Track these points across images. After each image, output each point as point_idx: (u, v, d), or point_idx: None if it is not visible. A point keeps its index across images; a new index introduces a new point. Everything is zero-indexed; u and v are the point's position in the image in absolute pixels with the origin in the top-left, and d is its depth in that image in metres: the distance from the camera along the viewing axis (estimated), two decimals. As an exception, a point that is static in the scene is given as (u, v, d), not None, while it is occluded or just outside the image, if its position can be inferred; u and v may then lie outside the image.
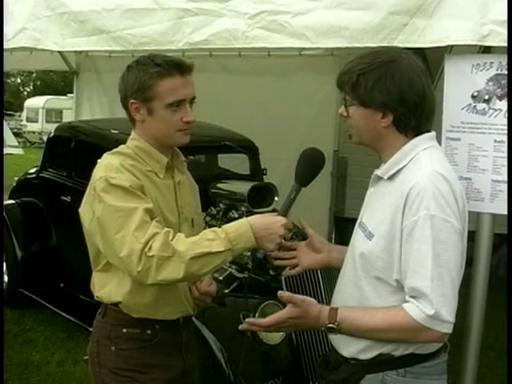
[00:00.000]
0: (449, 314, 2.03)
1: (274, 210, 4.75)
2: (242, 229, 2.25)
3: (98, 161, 2.44)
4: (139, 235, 2.18)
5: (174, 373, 2.55)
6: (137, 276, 2.22)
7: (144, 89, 2.37)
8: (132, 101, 2.41)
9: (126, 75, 2.44)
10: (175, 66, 2.38)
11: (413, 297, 2.05)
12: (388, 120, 2.15)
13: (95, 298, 2.54)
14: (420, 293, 2.03)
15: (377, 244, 2.13)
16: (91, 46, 3.55)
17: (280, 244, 2.32)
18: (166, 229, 2.24)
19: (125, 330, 2.47)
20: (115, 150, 2.49)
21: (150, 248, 2.16)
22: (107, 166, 2.35)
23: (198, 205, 2.77)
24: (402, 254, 2.07)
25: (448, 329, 2.05)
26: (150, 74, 2.36)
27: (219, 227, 2.29)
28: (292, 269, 2.60)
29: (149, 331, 2.48)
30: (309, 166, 2.42)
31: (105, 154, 2.45)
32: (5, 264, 6.24)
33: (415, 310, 2.04)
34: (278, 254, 2.55)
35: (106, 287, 2.47)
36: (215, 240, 2.21)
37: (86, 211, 2.39)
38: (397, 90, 2.11)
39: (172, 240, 2.20)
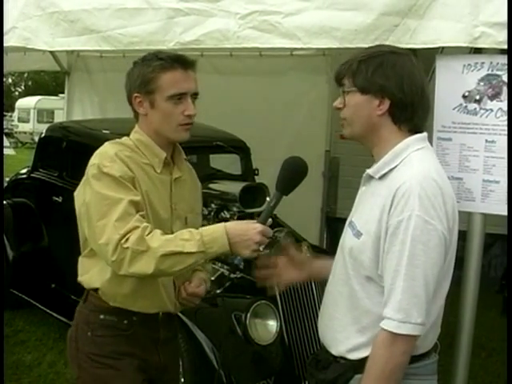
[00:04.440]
0: (419, 315, 2.03)
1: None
2: (217, 233, 2.25)
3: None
4: (119, 226, 2.22)
5: (148, 365, 2.56)
6: (111, 265, 2.27)
7: (146, 82, 2.42)
8: (135, 94, 2.46)
9: (130, 71, 2.51)
10: (178, 60, 2.43)
11: (385, 304, 2.07)
12: (384, 107, 2.15)
13: (78, 281, 2.57)
14: (392, 294, 2.04)
15: (365, 243, 2.14)
16: (81, 45, 3.54)
17: (256, 251, 2.29)
18: (145, 224, 2.26)
19: (102, 317, 2.50)
20: (117, 140, 2.53)
21: (127, 240, 2.19)
22: (102, 153, 2.39)
23: (197, 204, 2.76)
24: (383, 253, 2.08)
25: (419, 331, 2.05)
26: (153, 68, 2.41)
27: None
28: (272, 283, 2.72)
29: (125, 321, 2.50)
30: (291, 174, 2.38)
31: (106, 143, 2.49)
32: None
33: (385, 322, 2.06)
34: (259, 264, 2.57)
35: (89, 273, 2.51)
36: (190, 240, 2.22)
37: (79, 195, 2.42)
38: (397, 77, 2.12)
39: (148, 235, 2.22)
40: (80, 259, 2.56)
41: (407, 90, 2.13)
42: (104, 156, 2.37)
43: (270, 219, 2.36)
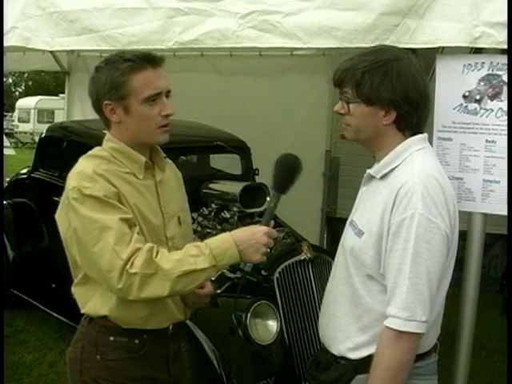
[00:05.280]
0: (423, 313, 2.04)
1: (263, 213, 4.74)
2: (225, 244, 2.20)
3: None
4: (120, 250, 2.12)
5: None
6: (117, 292, 2.18)
7: (117, 86, 2.27)
8: (106, 102, 2.30)
9: (95, 77, 2.34)
10: (146, 58, 2.29)
11: (389, 302, 2.08)
12: (390, 118, 2.16)
13: (82, 313, 2.45)
14: (396, 292, 2.05)
15: (367, 242, 2.15)
16: (80, 45, 3.53)
17: (265, 254, 2.25)
18: (149, 244, 2.18)
19: (112, 339, 2.37)
20: (90, 152, 2.40)
21: (132, 265, 2.11)
22: (80, 173, 2.26)
23: (184, 199, 2.65)
24: (386, 252, 2.08)
25: (424, 329, 2.07)
26: (122, 70, 2.26)
27: (203, 237, 2.23)
28: None
29: (136, 341, 2.39)
30: (286, 172, 2.35)
31: (80, 159, 2.37)
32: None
33: (390, 320, 2.07)
34: None
35: (90, 302, 2.37)
36: (199, 256, 2.16)
37: (61, 218, 2.31)
38: (402, 88, 2.13)
39: (156, 257, 2.14)
40: (73, 289, 2.43)
41: (413, 100, 2.14)
42: (82, 176, 2.23)
43: (273, 221, 2.35)
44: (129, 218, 2.21)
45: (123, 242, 2.14)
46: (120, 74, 2.26)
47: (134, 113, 2.30)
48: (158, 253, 2.16)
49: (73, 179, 2.26)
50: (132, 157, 2.38)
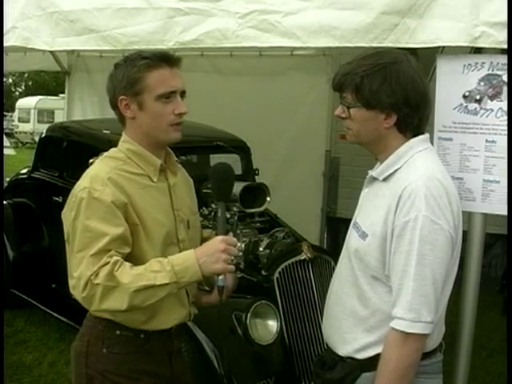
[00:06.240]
0: (428, 314, 2.05)
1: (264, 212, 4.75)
2: (188, 262, 2.22)
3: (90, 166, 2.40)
4: (93, 262, 2.17)
5: (161, 381, 2.50)
6: (81, 301, 2.23)
7: (133, 82, 2.33)
8: (121, 97, 2.36)
9: (113, 73, 2.41)
10: (163, 57, 2.35)
11: (394, 304, 2.09)
12: (391, 121, 2.17)
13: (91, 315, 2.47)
14: (401, 293, 2.06)
15: (371, 244, 2.16)
16: (80, 45, 3.52)
17: (228, 261, 2.24)
18: (116, 258, 2.20)
19: (118, 332, 2.40)
20: (106, 154, 2.44)
21: (97, 276, 2.15)
22: (93, 177, 2.30)
23: (194, 204, 2.69)
24: (390, 253, 2.08)
25: (429, 329, 2.08)
26: (138, 67, 2.32)
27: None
28: None
29: (142, 335, 2.42)
30: (222, 182, 2.43)
31: (97, 161, 2.41)
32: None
33: (396, 322, 2.08)
34: None
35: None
36: (161, 272, 2.19)
37: (66, 214, 2.34)
38: (402, 91, 2.13)
39: (117, 271, 2.17)
40: (73, 292, 2.40)
41: (413, 102, 2.15)
42: (95, 179, 2.28)
43: (231, 232, 2.36)
44: (122, 236, 2.25)
45: (101, 255, 2.19)
46: (136, 70, 2.33)
47: (147, 109, 2.35)
48: (119, 267, 2.19)
49: (85, 180, 2.31)
50: (148, 159, 2.42)
